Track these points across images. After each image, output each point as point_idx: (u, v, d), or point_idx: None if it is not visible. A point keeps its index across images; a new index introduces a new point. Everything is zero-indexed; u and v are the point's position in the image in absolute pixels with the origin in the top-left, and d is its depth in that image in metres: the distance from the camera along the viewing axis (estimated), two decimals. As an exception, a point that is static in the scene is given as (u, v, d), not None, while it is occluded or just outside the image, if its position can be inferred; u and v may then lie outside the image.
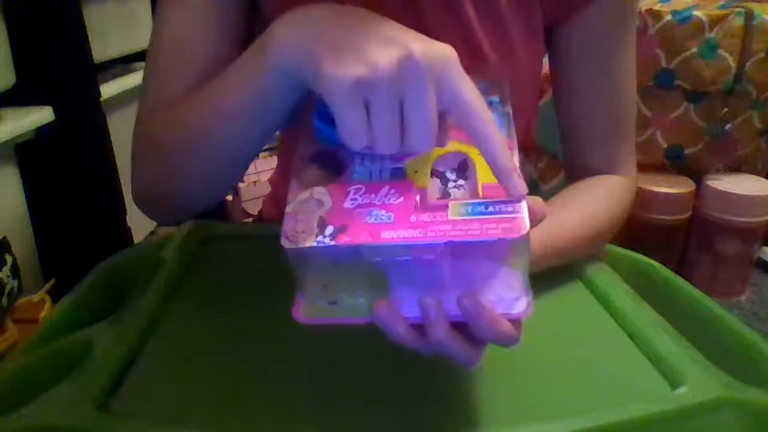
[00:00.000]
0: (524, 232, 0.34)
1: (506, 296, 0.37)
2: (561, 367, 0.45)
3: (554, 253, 0.53)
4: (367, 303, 0.37)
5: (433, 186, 0.38)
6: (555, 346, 0.47)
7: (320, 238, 0.35)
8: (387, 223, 0.36)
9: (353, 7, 0.40)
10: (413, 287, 0.36)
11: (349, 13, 0.39)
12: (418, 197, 0.37)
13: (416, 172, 0.39)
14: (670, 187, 1.40)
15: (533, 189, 1.26)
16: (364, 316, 0.37)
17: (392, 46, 0.35)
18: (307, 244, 0.35)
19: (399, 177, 0.39)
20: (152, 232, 1.54)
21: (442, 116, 0.37)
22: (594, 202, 0.61)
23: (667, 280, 0.61)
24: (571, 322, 0.51)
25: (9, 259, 0.93)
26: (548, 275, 0.54)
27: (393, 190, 0.38)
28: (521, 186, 0.35)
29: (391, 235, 0.35)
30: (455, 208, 0.36)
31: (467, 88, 0.35)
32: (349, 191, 0.38)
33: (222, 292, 0.55)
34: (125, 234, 1.36)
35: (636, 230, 1.18)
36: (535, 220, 0.36)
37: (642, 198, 1.33)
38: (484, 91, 0.43)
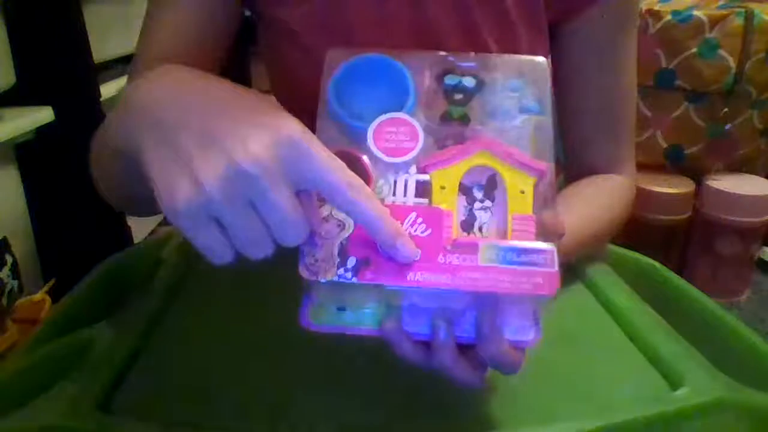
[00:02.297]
0: (555, 290, 0.34)
1: (518, 324, 0.37)
2: (561, 368, 0.45)
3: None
4: (377, 313, 0.37)
5: (459, 206, 0.37)
6: (555, 347, 0.47)
7: (341, 271, 0.34)
8: (414, 261, 0.35)
9: (201, 80, 0.36)
10: (426, 303, 0.36)
11: (190, 93, 0.35)
12: (447, 228, 0.36)
13: (443, 188, 0.37)
14: (670, 187, 1.40)
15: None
16: (372, 327, 0.37)
17: (217, 155, 0.30)
18: (328, 277, 0.34)
19: (424, 193, 0.37)
20: (152, 232, 1.54)
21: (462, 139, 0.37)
22: (595, 202, 0.61)
23: (667, 280, 0.61)
24: (571, 323, 0.51)
25: (9, 259, 0.93)
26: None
27: (420, 219, 0.36)
28: (409, 251, 0.34)
29: (417, 278, 0.34)
30: (485, 251, 0.35)
31: (319, 166, 0.31)
32: None
33: (222, 292, 0.55)
34: (125, 234, 1.36)
35: (636, 230, 1.18)
36: (553, 238, 0.36)
37: (642, 198, 1.34)
38: (523, 101, 0.41)
